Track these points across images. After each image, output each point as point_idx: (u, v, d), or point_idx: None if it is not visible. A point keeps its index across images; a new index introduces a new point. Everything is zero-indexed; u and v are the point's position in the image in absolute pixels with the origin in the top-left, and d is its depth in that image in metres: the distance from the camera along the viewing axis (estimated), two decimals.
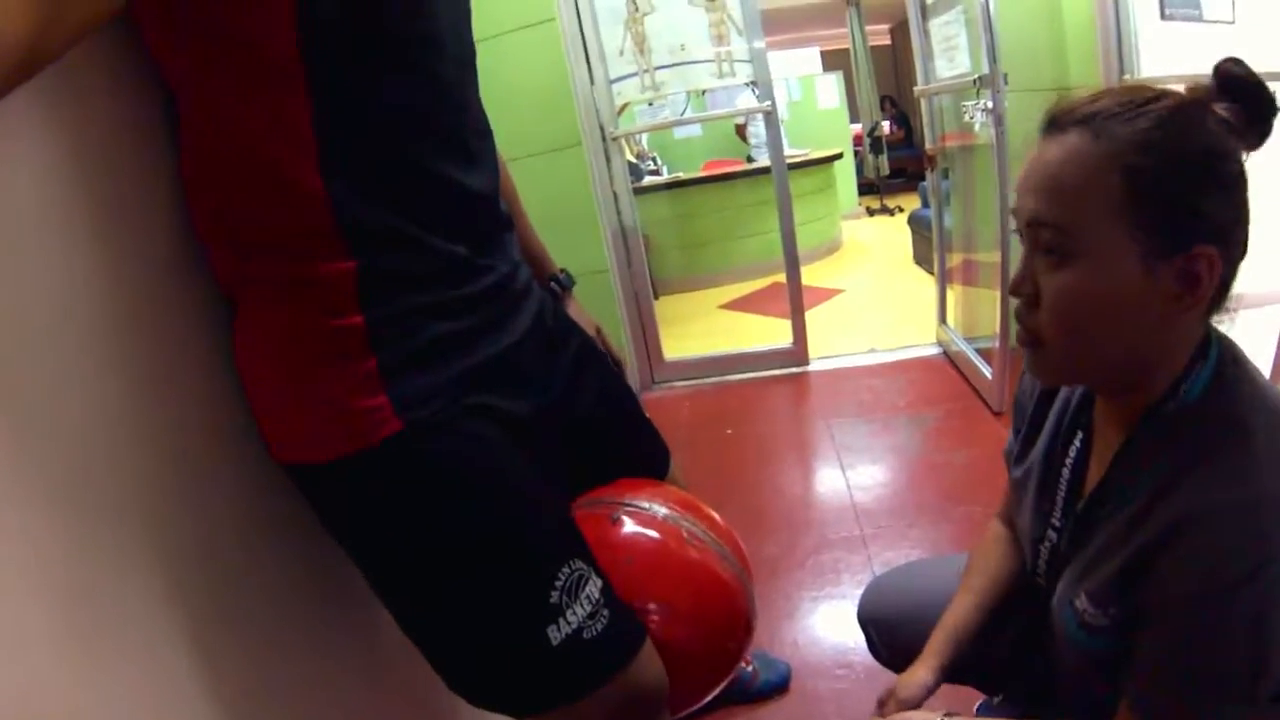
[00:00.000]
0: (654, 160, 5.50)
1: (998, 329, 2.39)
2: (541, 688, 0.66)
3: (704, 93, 6.27)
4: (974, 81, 2.32)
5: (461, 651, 0.67)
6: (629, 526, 0.78)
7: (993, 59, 2.19)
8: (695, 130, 5.96)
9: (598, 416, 0.85)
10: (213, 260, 0.63)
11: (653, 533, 0.79)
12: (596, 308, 3.03)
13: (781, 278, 3.12)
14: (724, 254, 4.90)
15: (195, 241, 0.62)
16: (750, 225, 4.82)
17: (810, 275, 4.74)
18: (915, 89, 2.98)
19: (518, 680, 0.66)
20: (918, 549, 1.79)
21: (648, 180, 5.00)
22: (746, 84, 3.01)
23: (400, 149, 0.60)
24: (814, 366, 3.10)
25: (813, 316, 3.76)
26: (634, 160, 5.25)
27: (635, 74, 3.27)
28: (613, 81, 3.02)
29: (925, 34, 2.89)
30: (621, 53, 3.10)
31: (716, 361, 3.23)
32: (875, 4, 6.80)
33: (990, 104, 2.23)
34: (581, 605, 0.65)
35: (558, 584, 0.64)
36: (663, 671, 0.72)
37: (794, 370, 3.10)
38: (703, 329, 4.07)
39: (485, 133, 0.72)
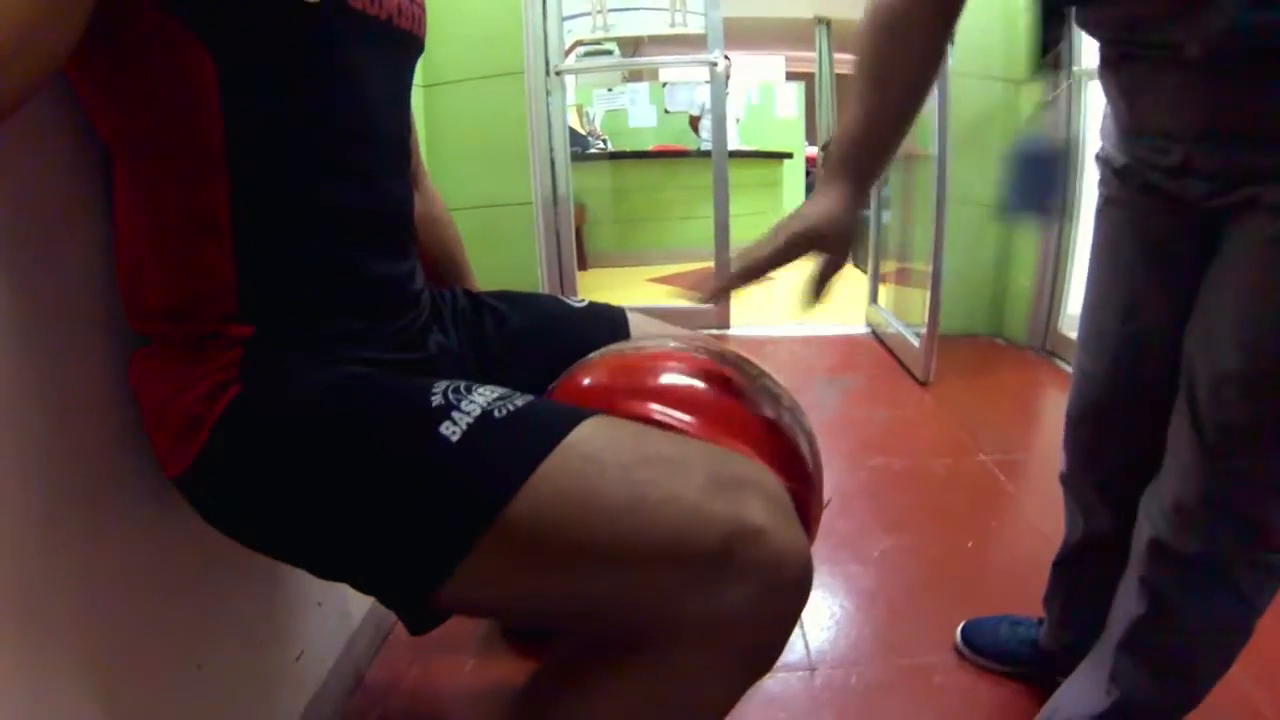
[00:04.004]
0: (604, 142, 5.37)
1: (926, 318, 2.33)
2: (467, 491, 0.51)
3: (664, 85, 6.26)
4: None
5: (384, 530, 0.53)
6: (568, 379, 0.70)
7: None
8: (650, 120, 5.86)
9: (536, 324, 0.81)
10: (121, 295, 0.63)
11: (598, 368, 0.71)
12: (517, 240, 2.87)
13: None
14: (659, 234, 4.77)
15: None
16: (689, 208, 4.70)
17: None
18: None
19: (441, 508, 0.51)
20: (829, 495, 1.64)
21: (592, 150, 4.86)
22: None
23: (319, 244, 0.60)
24: (735, 332, 2.96)
25: (740, 294, 3.64)
26: (583, 134, 5.10)
27: (588, 13, 3.18)
28: (566, 18, 2.96)
29: None
30: None
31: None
32: (847, 30, 6.88)
33: None
34: (480, 395, 0.54)
35: (434, 393, 0.55)
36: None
37: (714, 333, 2.95)
38: (626, 296, 3.90)
39: (407, 215, 0.70)
